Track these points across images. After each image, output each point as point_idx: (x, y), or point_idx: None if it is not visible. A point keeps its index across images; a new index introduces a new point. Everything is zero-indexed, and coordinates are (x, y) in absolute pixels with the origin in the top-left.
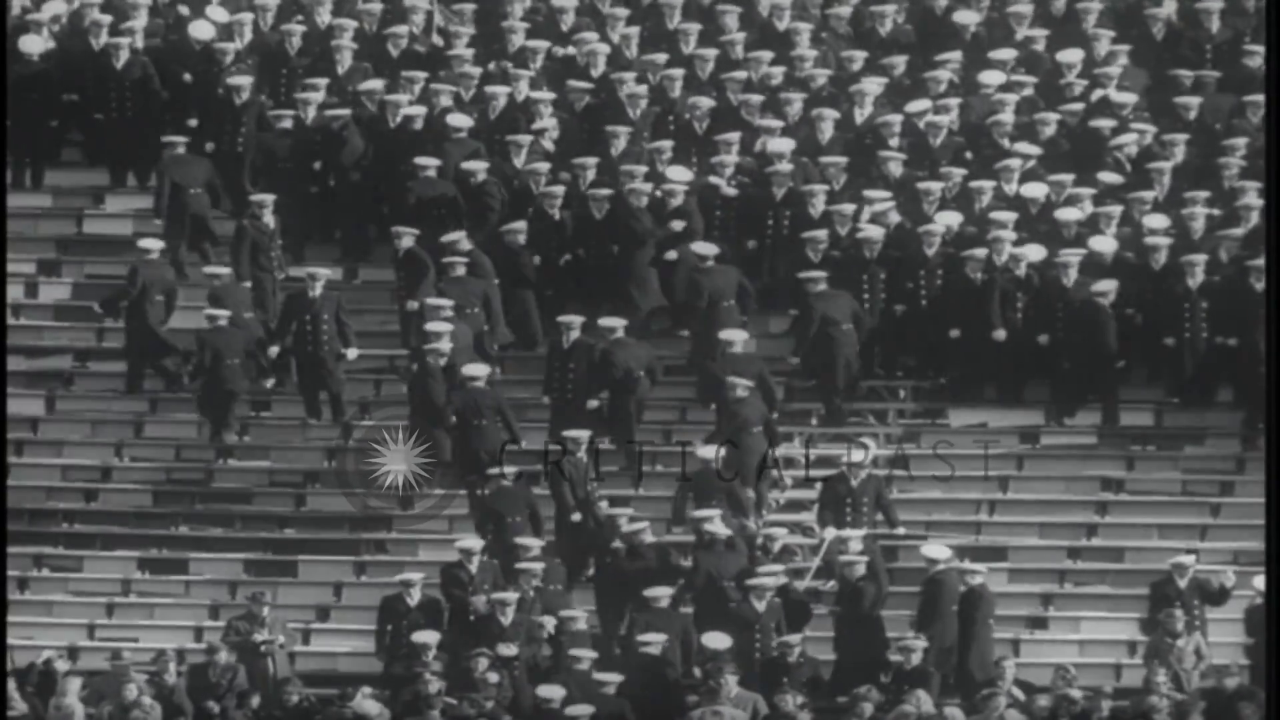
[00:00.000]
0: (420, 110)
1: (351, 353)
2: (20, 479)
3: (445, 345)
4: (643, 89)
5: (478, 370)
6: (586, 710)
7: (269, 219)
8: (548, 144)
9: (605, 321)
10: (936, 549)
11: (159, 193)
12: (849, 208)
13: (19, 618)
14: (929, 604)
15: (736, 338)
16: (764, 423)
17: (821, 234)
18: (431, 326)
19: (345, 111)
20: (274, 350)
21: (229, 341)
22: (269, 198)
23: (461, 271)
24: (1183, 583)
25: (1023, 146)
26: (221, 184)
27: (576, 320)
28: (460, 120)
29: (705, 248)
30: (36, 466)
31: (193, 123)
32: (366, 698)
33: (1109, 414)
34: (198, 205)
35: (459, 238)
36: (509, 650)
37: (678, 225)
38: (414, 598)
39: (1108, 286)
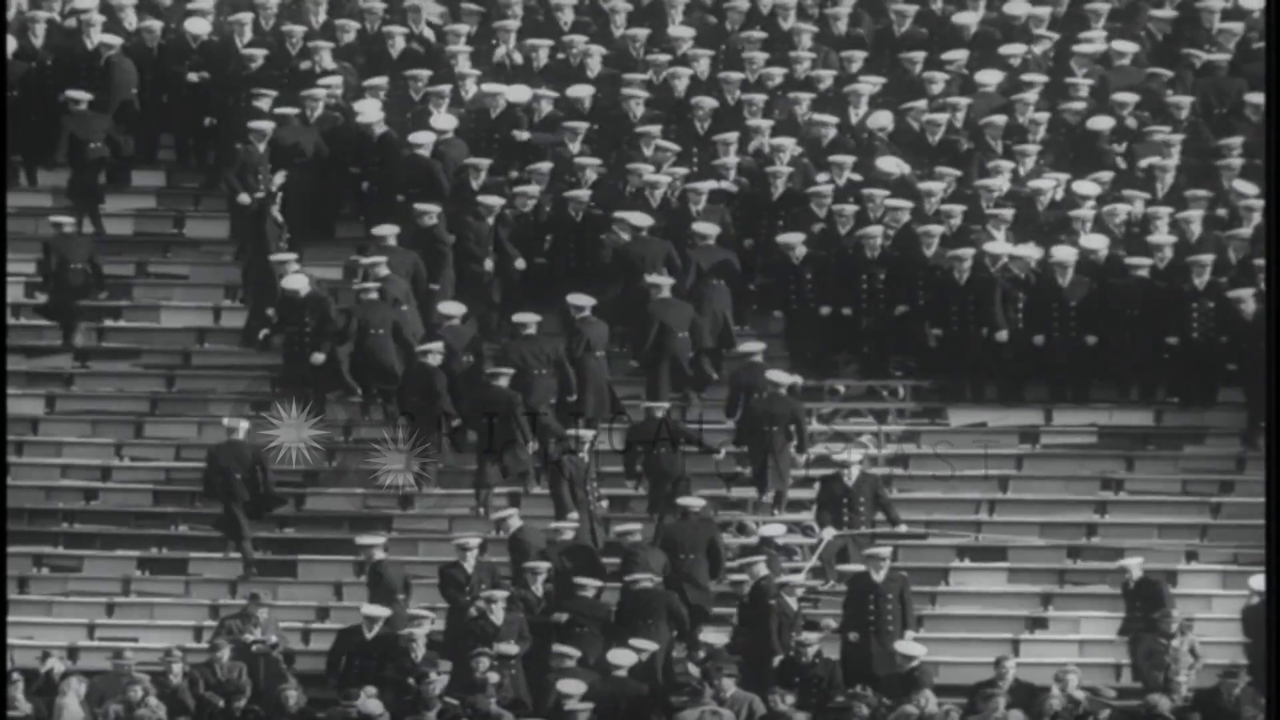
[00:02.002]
0: (379, 115)
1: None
2: (20, 478)
3: (438, 345)
4: (644, 91)
5: (527, 318)
6: (629, 659)
7: (277, 214)
8: (575, 145)
9: (574, 299)
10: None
11: (58, 149)
12: (851, 208)
13: (19, 617)
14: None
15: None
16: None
17: (797, 237)
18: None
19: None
20: (264, 333)
21: (72, 248)
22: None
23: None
24: (1130, 584)
25: (1024, 146)
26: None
27: (532, 319)
28: (446, 121)
29: (639, 218)
30: (36, 466)
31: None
32: (370, 698)
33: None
34: (97, 159)
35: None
36: (509, 649)
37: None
38: (372, 630)
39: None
